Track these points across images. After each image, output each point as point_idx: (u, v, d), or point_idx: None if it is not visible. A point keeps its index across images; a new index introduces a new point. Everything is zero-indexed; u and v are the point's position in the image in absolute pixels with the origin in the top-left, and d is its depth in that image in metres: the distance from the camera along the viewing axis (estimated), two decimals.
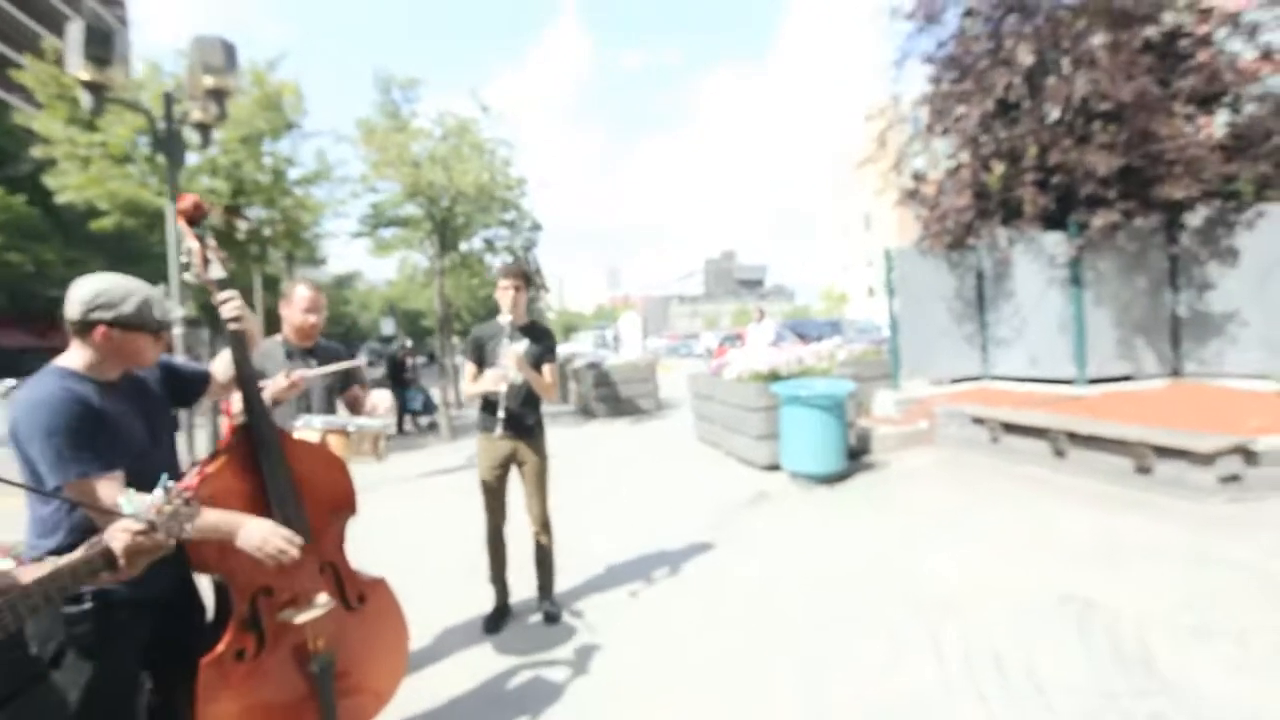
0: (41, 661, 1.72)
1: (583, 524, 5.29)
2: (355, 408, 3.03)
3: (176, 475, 1.95)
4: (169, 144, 5.94)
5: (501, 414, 3.32)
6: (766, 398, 6.44)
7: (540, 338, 3.54)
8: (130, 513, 1.34)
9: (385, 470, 7.98)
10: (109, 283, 1.77)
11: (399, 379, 11.90)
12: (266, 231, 10.55)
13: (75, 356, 1.78)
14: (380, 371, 12.84)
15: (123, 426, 1.78)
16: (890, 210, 12.14)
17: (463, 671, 3.14)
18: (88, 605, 1.73)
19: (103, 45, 5.06)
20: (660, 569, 4.27)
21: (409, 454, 9.43)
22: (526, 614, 3.70)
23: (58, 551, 1.72)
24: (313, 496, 2.11)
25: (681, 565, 4.33)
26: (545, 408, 3.70)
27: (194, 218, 2.04)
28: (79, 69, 5.30)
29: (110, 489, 1.69)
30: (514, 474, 3.57)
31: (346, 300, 43.24)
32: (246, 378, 2.04)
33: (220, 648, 1.90)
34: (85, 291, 1.73)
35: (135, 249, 18.57)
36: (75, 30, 5.08)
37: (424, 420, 12.04)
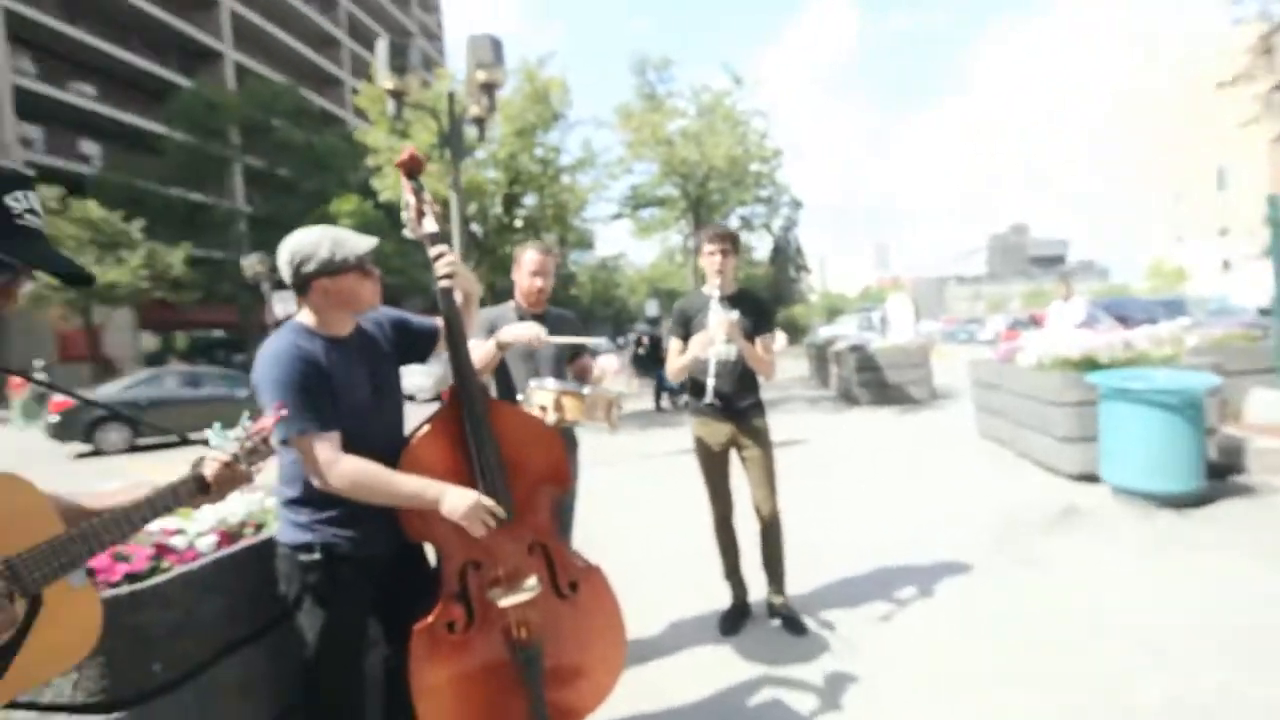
0: (288, 601, 1.78)
1: (828, 522, 4.69)
2: (583, 376, 2.90)
3: (400, 434, 1.90)
4: (452, 138, 6.59)
5: (710, 395, 2.93)
6: (1079, 389, 5.11)
7: (754, 307, 3.10)
8: (216, 445, 1.41)
9: (634, 446, 8.22)
10: (300, 237, 1.76)
11: (656, 358, 12.25)
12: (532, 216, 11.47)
13: (306, 316, 1.79)
14: (631, 351, 13.39)
15: (345, 386, 1.75)
16: (1261, 156, 9.06)
17: (694, 674, 2.84)
18: (317, 555, 1.73)
19: (400, 56, 5.76)
20: (928, 588, 3.52)
21: (661, 430, 9.59)
22: (764, 617, 3.29)
23: (297, 501, 1.76)
24: (520, 468, 1.94)
25: (957, 587, 3.53)
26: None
27: (411, 170, 1.97)
28: (384, 80, 6.11)
29: (325, 448, 1.66)
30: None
31: (617, 283, 46.23)
32: (456, 338, 1.91)
33: (431, 616, 1.81)
34: (285, 254, 1.74)
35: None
36: (381, 46, 5.87)
37: (681, 399, 12.24)
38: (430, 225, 1.95)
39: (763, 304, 3.20)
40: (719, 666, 2.90)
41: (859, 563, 3.92)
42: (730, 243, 3.08)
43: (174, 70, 30.96)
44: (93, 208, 18.88)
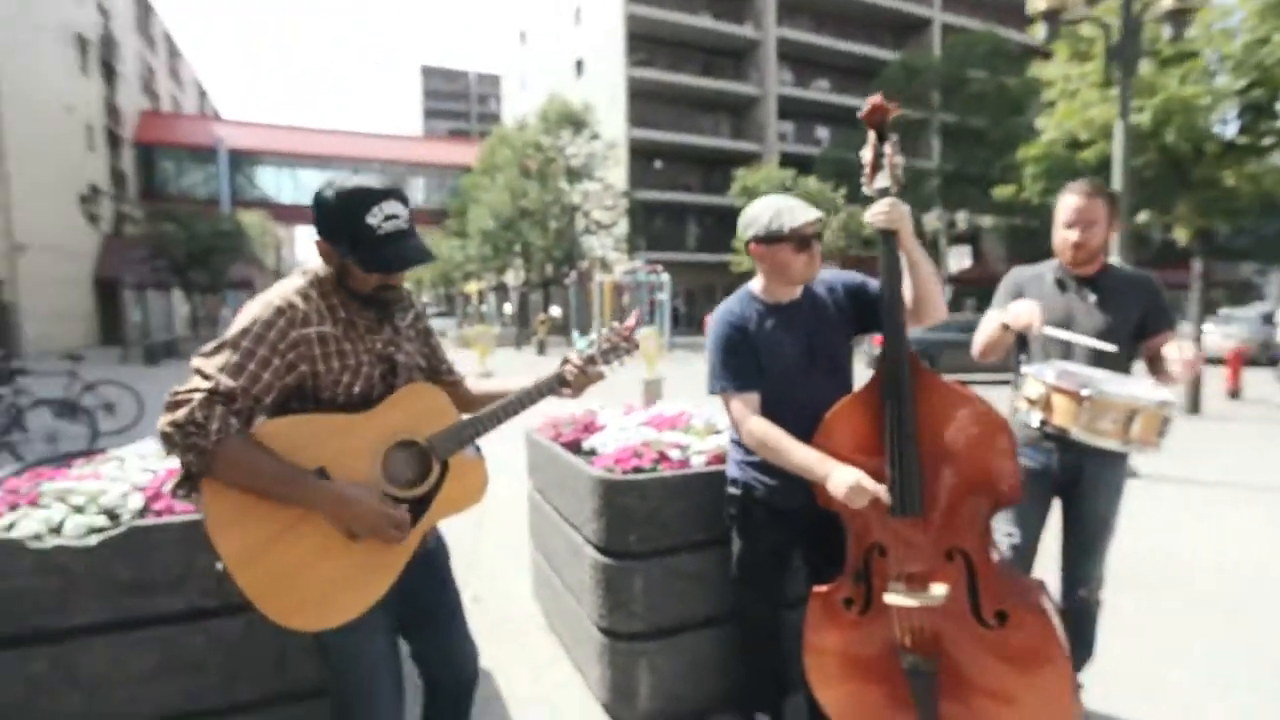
0: (726, 525, 2.08)
1: None
2: (1154, 365, 2.10)
3: (834, 401, 1.85)
4: (1122, 47, 5.31)
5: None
6: None
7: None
8: (580, 347, 1.66)
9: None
10: (757, 205, 1.88)
11: None
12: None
13: (756, 281, 1.97)
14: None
15: (773, 351, 1.87)
16: None
17: None
18: (738, 493, 1.98)
19: None
20: None
21: None
22: None
23: (735, 442, 2.00)
24: (943, 461, 1.65)
25: None
26: None
27: (875, 122, 1.82)
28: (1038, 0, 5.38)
29: (738, 406, 1.84)
30: None
31: None
32: (890, 295, 1.73)
33: (829, 586, 1.80)
34: (742, 219, 1.89)
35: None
36: None
37: None
38: (881, 181, 1.80)
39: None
40: None
41: None
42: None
43: (887, 48, 34.39)
44: (811, 183, 23.43)
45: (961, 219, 23.64)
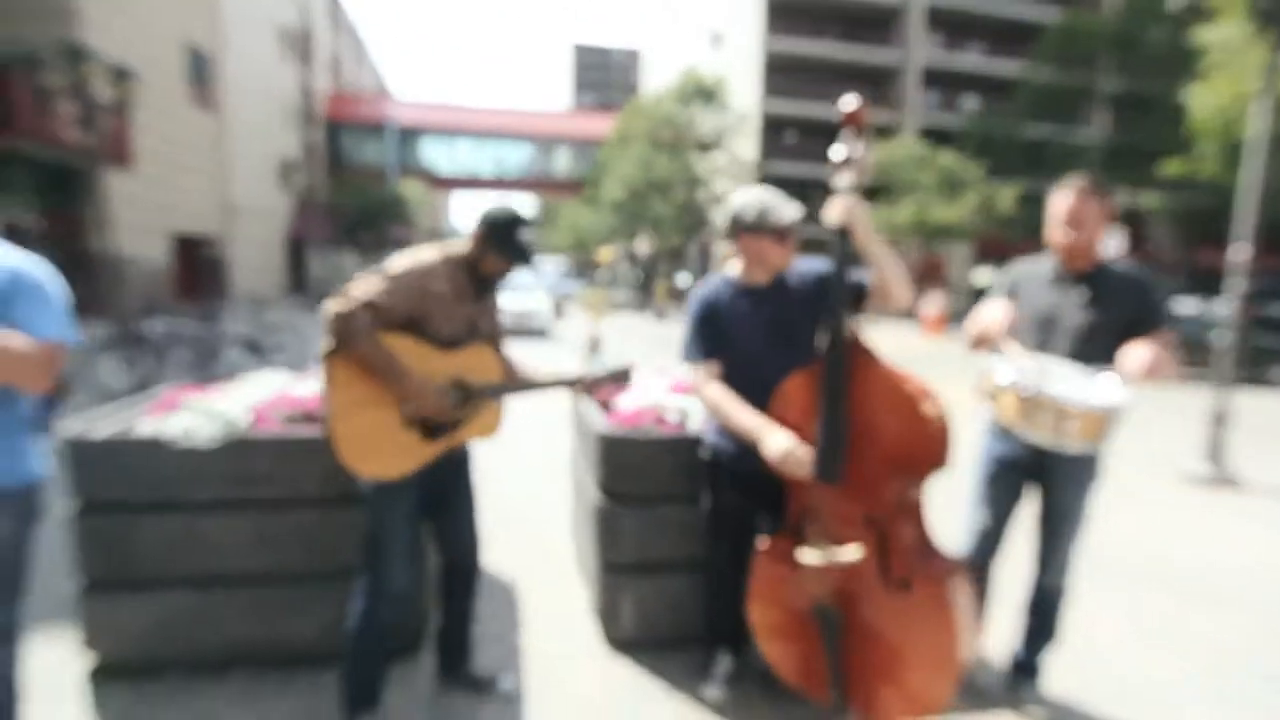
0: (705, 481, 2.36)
1: None
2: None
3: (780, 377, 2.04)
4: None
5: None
6: None
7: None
8: (595, 367, 2.16)
9: None
10: (745, 196, 2.08)
11: None
12: None
13: (734, 264, 2.19)
14: None
15: (739, 328, 2.10)
16: None
17: None
18: (707, 455, 2.24)
19: None
20: None
21: None
22: None
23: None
24: (868, 438, 1.82)
25: None
26: None
27: (856, 122, 1.94)
28: None
29: (701, 374, 2.10)
30: None
31: None
32: (837, 285, 1.89)
33: (770, 542, 2.03)
34: (729, 208, 2.11)
35: None
36: None
37: None
38: (847, 180, 1.93)
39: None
40: None
41: None
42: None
43: (1048, 5, 30.63)
44: (945, 157, 21.75)
45: (1118, 198, 20.81)
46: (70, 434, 2.26)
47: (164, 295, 16.19)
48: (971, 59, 32.11)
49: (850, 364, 1.86)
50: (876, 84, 32.60)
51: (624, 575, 2.55)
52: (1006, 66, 29.65)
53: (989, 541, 2.32)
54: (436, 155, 37.61)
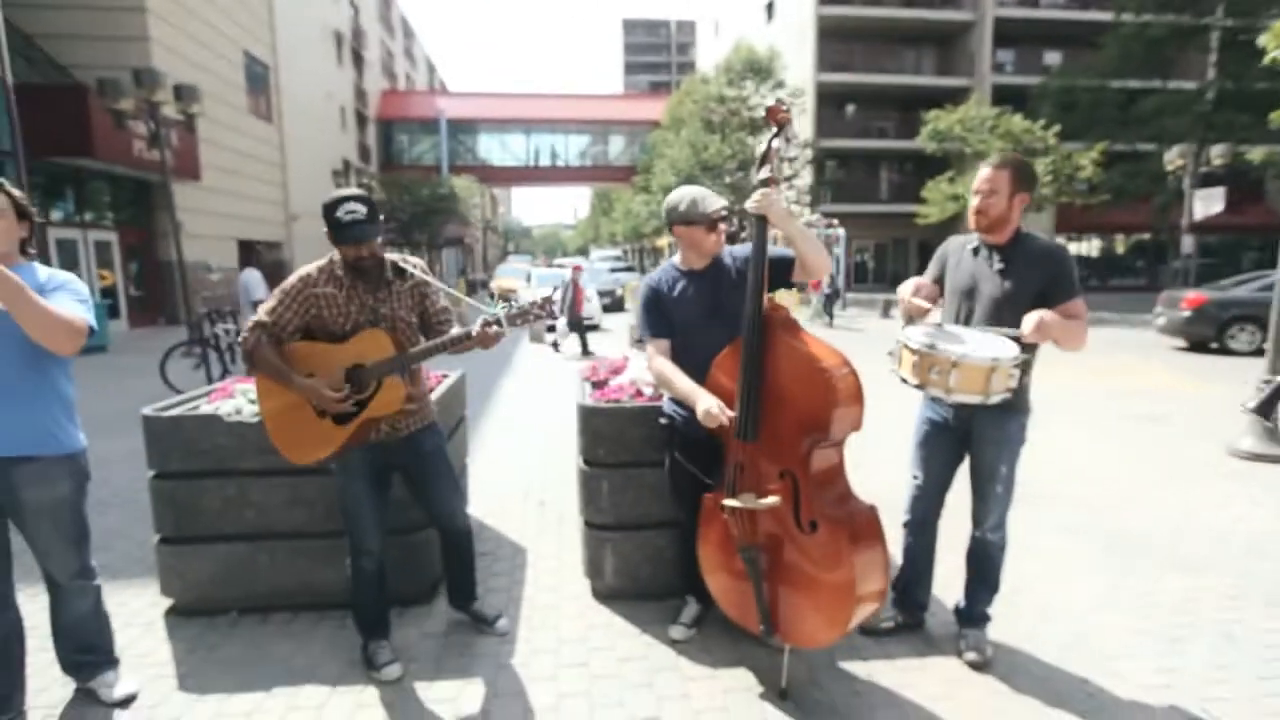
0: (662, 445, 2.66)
1: None
2: None
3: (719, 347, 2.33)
4: None
5: None
6: None
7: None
8: (495, 310, 2.18)
9: None
10: (677, 193, 2.38)
11: None
12: None
13: (678, 252, 2.48)
14: None
15: (680, 308, 2.40)
16: None
17: None
18: (664, 420, 2.55)
19: None
20: None
21: None
22: None
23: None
24: (781, 405, 2.10)
25: None
26: None
27: (778, 121, 2.20)
28: None
29: (650, 349, 2.41)
30: None
31: None
32: (756, 264, 2.16)
33: (712, 495, 2.34)
34: (666, 203, 2.41)
35: None
36: None
37: None
38: (765, 173, 2.19)
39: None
40: None
41: None
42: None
43: None
44: (1015, 121, 20.76)
45: (1218, 153, 19.28)
46: (146, 413, 2.75)
47: (233, 299, 17.41)
48: (1051, 10, 29.93)
49: (767, 337, 2.14)
50: (942, 45, 31.05)
51: (604, 533, 2.89)
52: (1097, 15, 26.99)
53: (924, 498, 2.56)
54: (491, 148, 38.44)
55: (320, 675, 2.44)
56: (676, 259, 2.51)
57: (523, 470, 4.86)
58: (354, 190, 2.24)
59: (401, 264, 2.39)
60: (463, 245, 38.56)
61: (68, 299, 2.00)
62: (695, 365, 2.32)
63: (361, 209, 2.18)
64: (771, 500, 2.10)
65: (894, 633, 2.68)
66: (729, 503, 2.17)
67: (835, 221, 22.38)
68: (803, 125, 28.89)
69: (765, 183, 2.19)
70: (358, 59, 32.27)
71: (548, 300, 2.20)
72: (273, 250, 21.93)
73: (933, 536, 2.64)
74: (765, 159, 2.22)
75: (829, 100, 30.12)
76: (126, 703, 2.28)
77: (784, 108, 2.23)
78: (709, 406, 2.14)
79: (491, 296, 21.22)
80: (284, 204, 22.67)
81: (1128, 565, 3.31)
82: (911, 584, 2.68)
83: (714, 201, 2.35)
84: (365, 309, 2.29)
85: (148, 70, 9.61)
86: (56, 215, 13.79)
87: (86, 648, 2.30)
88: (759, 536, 2.19)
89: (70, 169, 13.75)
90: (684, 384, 2.28)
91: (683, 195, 2.39)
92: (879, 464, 4.05)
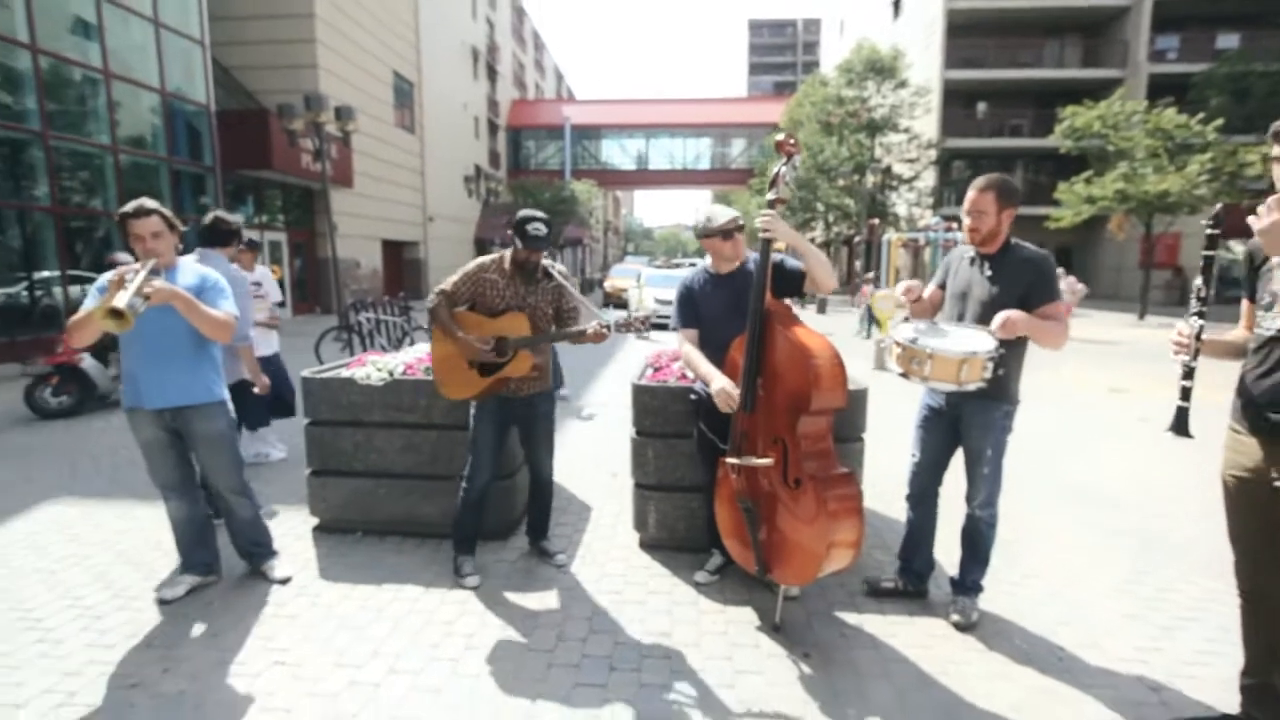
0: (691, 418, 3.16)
1: None
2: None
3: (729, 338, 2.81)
4: None
5: None
6: None
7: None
8: (608, 319, 2.82)
9: None
10: (702, 210, 2.85)
11: None
12: None
13: (709, 257, 2.97)
14: None
15: (707, 304, 2.89)
16: None
17: None
18: (694, 397, 3.05)
19: None
20: None
21: None
22: None
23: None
24: (774, 383, 2.54)
25: None
26: None
27: (786, 151, 2.64)
28: None
29: (680, 338, 2.92)
30: None
31: None
32: (759, 272, 2.61)
33: (724, 457, 2.81)
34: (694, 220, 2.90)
35: None
36: None
37: None
38: (771, 194, 2.65)
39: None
40: None
41: None
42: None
43: None
44: (1169, 115, 18.91)
45: None
46: (304, 375, 3.63)
47: (377, 292, 19.51)
48: None
49: (766, 328, 2.58)
50: (1090, 34, 28.48)
51: (649, 492, 3.44)
52: None
53: (921, 474, 2.89)
54: (612, 152, 39.89)
55: (418, 579, 3.16)
56: (708, 263, 3.00)
57: (601, 444, 5.49)
58: (540, 213, 3.01)
59: (550, 269, 3.11)
60: (582, 246, 40.30)
61: (220, 300, 2.79)
62: (718, 351, 2.81)
63: (544, 229, 2.96)
64: (765, 460, 2.55)
65: (896, 596, 3.02)
66: (731, 460, 2.64)
67: (954, 225, 21.46)
68: (927, 125, 27.83)
69: (772, 204, 2.64)
70: (491, 72, 34.68)
71: (649, 318, 2.91)
72: (411, 249, 24.22)
73: (931, 510, 2.95)
74: (773, 183, 2.66)
75: (957, 98, 28.69)
76: (285, 581, 3.11)
77: (791, 141, 2.66)
78: (723, 385, 2.62)
79: (605, 295, 22.31)
80: (422, 207, 24.98)
81: (1155, 567, 3.40)
82: (912, 553, 3.01)
83: (723, 216, 2.82)
84: (517, 296, 3.04)
85: (315, 95, 11.24)
86: (240, 218, 16.22)
87: (254, 542, 3.15)
88: (756, 491, 2.64)
89: (252, 179, 16.13)
90: (704, 367, 2.78)
91: (702, 213, 2.88)
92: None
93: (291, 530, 3.70)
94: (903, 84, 27.02)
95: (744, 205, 37.49)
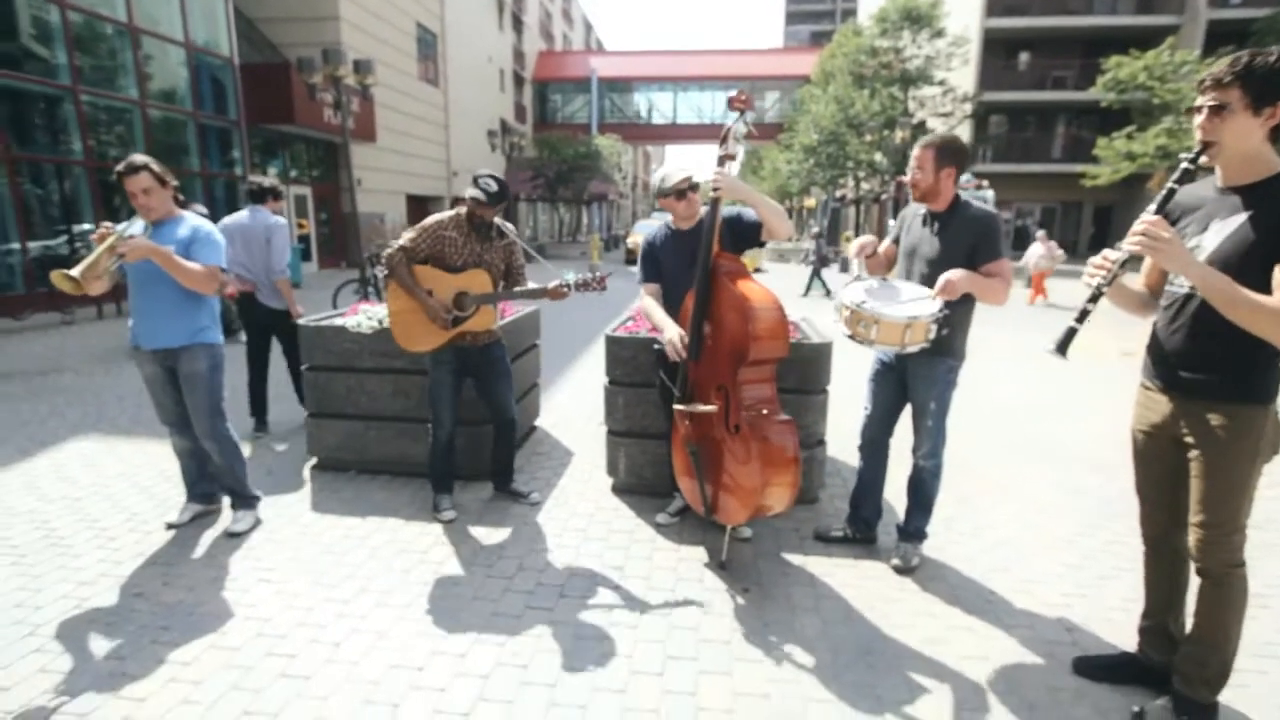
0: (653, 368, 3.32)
1: None
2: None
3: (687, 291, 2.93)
4: None
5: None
6: None
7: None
8: (567, 277, 3.01)
9: None
10: (663, 170, 2.94)
11: None
12: None
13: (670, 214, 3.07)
14: None
15: (666, 260, 3.01)
16: None
17: None
18: (656, 348, 3.20)
19: None
20: None
21: None
22: None
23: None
24: (718, 333, 2.67)
25: None
26: None
27: (740, 108, 2.71)
28: None
29: (643, 291, 3.04)
30: None
31: None
32: (708, 228, 2.71)
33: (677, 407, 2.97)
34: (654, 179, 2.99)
35: None
36: None
37: None
38: (721, 150, 2.72)
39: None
40: None
41: None
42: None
43: None
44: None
45: None
46: (300, 323, 3.86)
47: None
48: None
49: (714, 281, 2.70)
50: None
51: (619, 438, 3.62)
52: None
53: (872, 424, 3.01)
54: (641, 105, 39.11)
55: (401, 513, 3.42)
56: (669, 219, 3.10)
57: (592, 395, 5.69)
58: (492, 172, 3.13)
59: (503, 228, 3.26)
60: (608, 201, 40.03)
61: (206, 252, 2.93)
62: (678, 303, 2.93)
63: (494, 184, 3.08)
64: (709, 407, 2.70)
65: (844, 542, 3.18)
66: (678, 407, 2.80)
67: (985, 182, 20.85)
68: (964, 77, 26.74)
69: (720, 160, 2.72)
70: (517, 23, 34.10)
71: (604, 278, 3.05)
72: (435, 204, 24.42)
73: (882, 460, 3.08)
74: (723, 140, 2.73)
75: (998, 48, 27.38)
76: (234, 536, 3.15)
77: (742, 97, 2.72)
78: (673, 336, 2.76)
79: (627, 252, 22.32)
80: (446, 162, 25.05)
81: (1108, 521, 3.49)
82: (861, 500, 3.15)
83: (676, 176, 2.92)
84: (474, 254, 3.19)
85: (334, 49, 11.31)
86: (272, 172, 16.54)
87: (227, 489, 3.26)
88: (703, 436, 2.80)
89: (278, 134, 16.37)
90: (658, 316, 2.92)
91: (658, 175, 2.98)
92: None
93: (289, 467, 3.99)
94: (939, 33, 25.91)
95: (774, 162, 36.58)
